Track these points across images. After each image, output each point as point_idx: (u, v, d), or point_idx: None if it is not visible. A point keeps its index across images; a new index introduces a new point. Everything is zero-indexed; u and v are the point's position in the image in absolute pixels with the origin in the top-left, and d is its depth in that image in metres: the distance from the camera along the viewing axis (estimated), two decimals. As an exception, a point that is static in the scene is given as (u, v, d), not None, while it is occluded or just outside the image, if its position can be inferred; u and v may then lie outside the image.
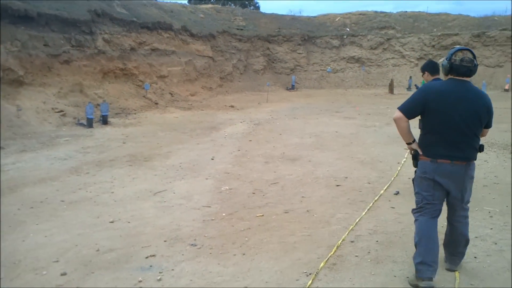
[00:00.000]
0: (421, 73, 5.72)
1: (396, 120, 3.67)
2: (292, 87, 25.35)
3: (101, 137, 10.87)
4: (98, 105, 13.53)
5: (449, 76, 3.57)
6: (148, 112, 15.36)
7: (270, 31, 27.92)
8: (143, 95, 16.98)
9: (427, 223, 3.60)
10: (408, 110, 3.60)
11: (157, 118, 14.35)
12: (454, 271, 3.82)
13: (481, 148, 3.65)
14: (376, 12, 30.06)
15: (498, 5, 77.14)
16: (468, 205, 3.77)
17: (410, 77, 26.01)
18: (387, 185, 6.64)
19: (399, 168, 7.82)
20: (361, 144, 10.16)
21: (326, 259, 4.08)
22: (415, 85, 23.18)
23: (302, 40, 28.22)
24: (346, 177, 7.13)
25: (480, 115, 3.50)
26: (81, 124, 12.43)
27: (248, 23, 27.71)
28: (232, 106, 17.43)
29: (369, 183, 6.81)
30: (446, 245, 3.87)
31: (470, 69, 3.47)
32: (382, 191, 6.29)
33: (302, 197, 6.06)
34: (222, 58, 24.25)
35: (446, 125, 3.48)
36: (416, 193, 3.74)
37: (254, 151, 9.35)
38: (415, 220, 3.70)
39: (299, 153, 9.15)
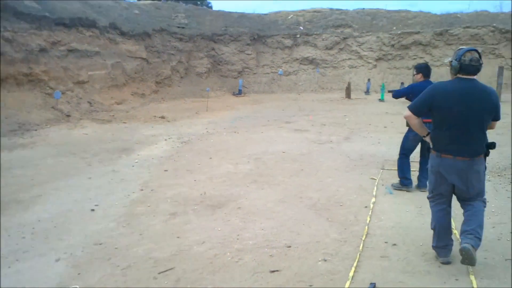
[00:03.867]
0: (414, 72, 6.57)
1: (406, 118, 4.05)
2: (239, 92, 22.67)
3: (-36, 169, 7.81)
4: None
5: (458, 76, 3.75)
6: (54, 128, 12.26)
7: (215, 29, 25.14)
8: (52, 106, 13.86)
9: (439, 212, 3.96)
10: (417, 109, 3.92)
11: (61, 136, 11.31)
12: (470, 253, 3.57)
13: (492, 146, 3.79)
14: (331, 9, 27.82)
15: (456, 5, 76.39)
16: (485, 197, 3.92)
17: (369, 80, 23.84)
18: (354, 265, 4.01)
19: (368, 218, 5.25)
20: (314, 172, 7.59)
21: None
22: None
23: (251, 39, 25.58)
24: (289, 246, 4.47)
25: (487, 111, 3.69)
26: (-47, 148, 9.30)
27: (191, 20, 24.86)
28: (162, 117, 14.54)
29: (325, 259, 4.16)
30: (463, 227, 3.83)
31: (477, 68, 3.69)
32: (347, 284, 3.65)
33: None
34: (159, 59, 21.27)
35: (453, 122, 3.70)
36: (428, 182, 4.15)
37: (164, 190, 6.59)
38: (430, 207, 4.09)
39: (228, 191, 6.47)
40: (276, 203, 5.92)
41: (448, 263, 3.93)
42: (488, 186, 6.53)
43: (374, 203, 5.86)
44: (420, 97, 3.92)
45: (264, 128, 12.65)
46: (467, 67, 3.67)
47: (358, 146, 9.86)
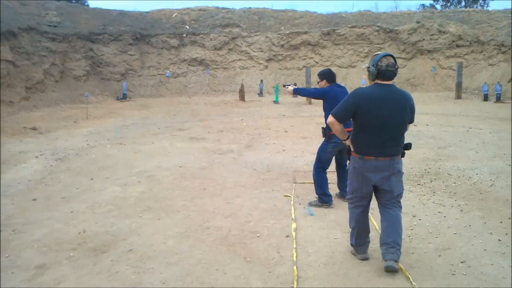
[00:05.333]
0: (318, 79, 6.08)
1: (330, 124, 4.04)
2: (124, 97, 20.87)
3: None
4: None
5: (376, 81, 3.86)
6: None
7: (93, 28, 23.00)
8: None
9: (358, 210, 4.07)
10: (341, 115, 3.94)
11: None
12: (395, 269, 3.78)
13: (408, 146, 4.01)
14: (218, 8, 26.93)
15: (341, 7, 79.86)
16: (401, 199, 4.03)
17: (261, 81, 23.35)
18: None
19: (294, 254, 4.27)
20: (219, 191, 6.52)
21: None
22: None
23: (133, 39, 23.81)
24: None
25: (405, 115, 3.86)
26: None
27: (64, 18, 22.43)
28: (34, 129, 12.50)
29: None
30: (383, 238, 3.93)
31: (394, 73, 3.83)
32: None
33: None
34: (28, 62, 18.75)
35: (375, 127, 3.80)
36: (348, 184, 4.20)
37: (30, 229, 5.08)
38: (349, 208, 4.20)
39: (115, 226, 5.14)
40: (178, 239, 4.74)
41: (366, 259, 4.12)
42: (412, 199, 5.94)
43: (295, 230, 4.91)
44: (344, 103, 3.94)
45: (155, 137, 11.31)
46: (384, 72, 3.78)
47: (262, 155, 8.98)
